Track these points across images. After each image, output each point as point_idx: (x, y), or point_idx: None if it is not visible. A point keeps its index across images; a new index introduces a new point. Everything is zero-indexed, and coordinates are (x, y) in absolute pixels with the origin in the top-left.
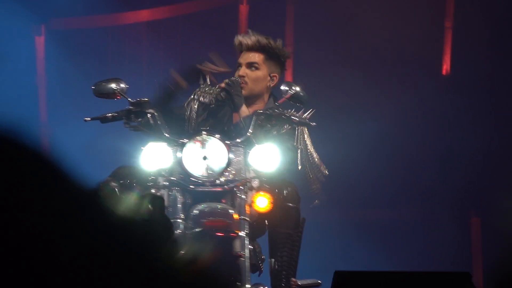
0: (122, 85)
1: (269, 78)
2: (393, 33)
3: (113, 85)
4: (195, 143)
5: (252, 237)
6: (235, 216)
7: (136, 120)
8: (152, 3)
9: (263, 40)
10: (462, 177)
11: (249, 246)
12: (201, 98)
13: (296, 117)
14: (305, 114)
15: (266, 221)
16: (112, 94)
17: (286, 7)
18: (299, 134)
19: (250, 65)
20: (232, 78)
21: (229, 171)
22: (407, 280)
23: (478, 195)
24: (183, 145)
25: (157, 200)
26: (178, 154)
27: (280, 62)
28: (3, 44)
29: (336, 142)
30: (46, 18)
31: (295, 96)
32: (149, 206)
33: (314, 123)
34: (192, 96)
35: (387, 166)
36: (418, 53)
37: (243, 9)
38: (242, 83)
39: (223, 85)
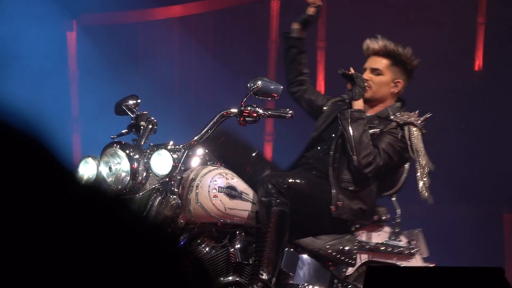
0: (131, 102)
1: (392, 84)
2: (426, 29)
3: (122, 103)
4: (107, 155)
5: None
6: None
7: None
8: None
9: (390, 45)
10: (494, 172)
11: (237, 246)
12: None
13: (271, 111)
14: (422, 117)
15: None
16: (123, 111)
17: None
18: (406, 133)
19: (374, 70)
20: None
21: (140, 178)
22: (439, 275)
23: (511, 190)
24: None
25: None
26: (100, 167)
27: (406, 69)
28: (35, 39)
29: None
30: (77, 13)
31: (262, 91)
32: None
33: (290, 114)
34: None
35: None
36: (451, 49)
37: (274, 4)
38: (366, 86)
39: (352, 71)
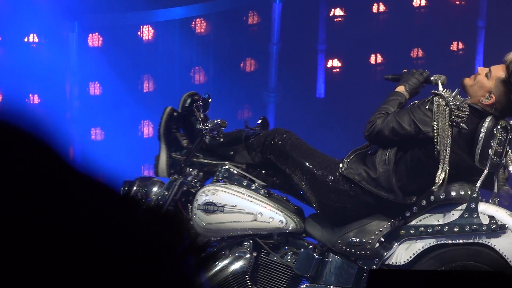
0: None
1: (487, 94)
2: (426, 32)
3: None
4: None
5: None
6: None
7: None
8: (185, 1)
9: None
10: None
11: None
12: None
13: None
14: (454, 92)
15: None
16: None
17: (319, 5)
18: (434, 105)
19: (489, 71)
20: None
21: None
22: (446, 279)
23: None
24: None
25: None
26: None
27: (509, 96)
28: (37, 41)
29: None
30: (79, 15)
31: (192, 109)
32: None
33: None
34: None
35: None
36: (450, 53)
37: (276, 7)
38: (473, 76)
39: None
